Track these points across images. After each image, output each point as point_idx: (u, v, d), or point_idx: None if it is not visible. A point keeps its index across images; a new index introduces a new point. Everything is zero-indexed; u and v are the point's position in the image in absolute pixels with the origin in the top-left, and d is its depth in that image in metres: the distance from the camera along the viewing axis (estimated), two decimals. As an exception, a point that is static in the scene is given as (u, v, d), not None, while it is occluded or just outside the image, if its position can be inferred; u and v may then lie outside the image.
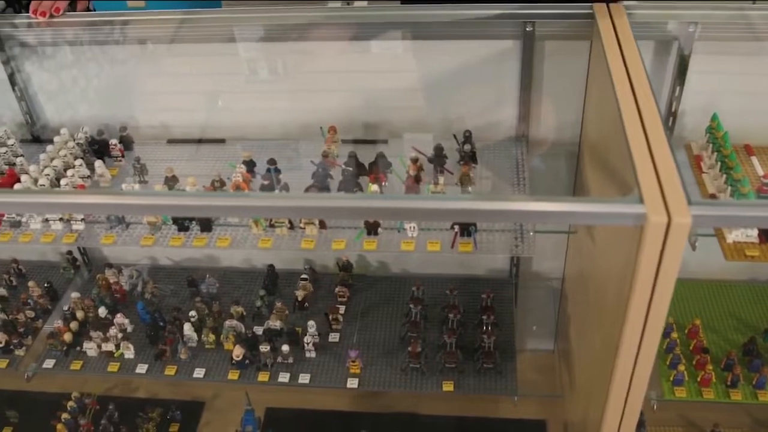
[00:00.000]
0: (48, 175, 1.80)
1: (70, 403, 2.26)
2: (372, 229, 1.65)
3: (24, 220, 1.78)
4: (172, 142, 1.99)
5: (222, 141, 1.97)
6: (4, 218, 1.79)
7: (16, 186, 1.78)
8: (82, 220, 1.76)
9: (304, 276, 2.11)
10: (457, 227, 1.63)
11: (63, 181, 1.79)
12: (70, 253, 2.26)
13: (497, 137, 1.91)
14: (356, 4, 2.91)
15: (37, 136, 2.06)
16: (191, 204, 1.33)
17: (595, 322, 1.67)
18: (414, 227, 1.64)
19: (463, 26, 1.77)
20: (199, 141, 1.98)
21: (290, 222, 1.67)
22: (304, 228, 1.68)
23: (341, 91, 1.93)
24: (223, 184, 1.75)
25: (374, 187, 1.65)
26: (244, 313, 2.06)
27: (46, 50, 1.97)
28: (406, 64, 1.89)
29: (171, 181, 1.78)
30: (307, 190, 1.71)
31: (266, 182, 1.73)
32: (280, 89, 1.95)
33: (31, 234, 1.77)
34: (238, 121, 1.98)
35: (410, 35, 1.84)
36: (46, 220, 1.77)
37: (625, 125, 1.23)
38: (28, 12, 1.81)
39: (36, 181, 1.80)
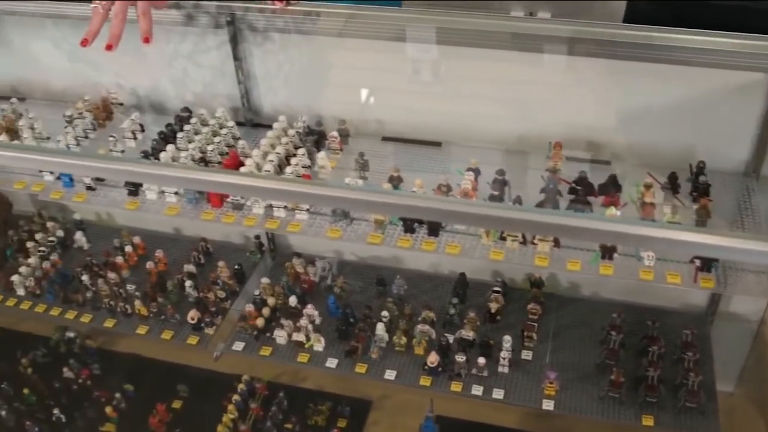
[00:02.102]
0: (272, 161, 1.85)
1: (241, 386, 2.34)
2: (607, 253, 1.66)
3: (248, 203, 1.84)
4: (386, 139, 2.03)
5: (438, 144, 2.00)
6: (228, 200, 1.86)
7: (242, 169, 1.85)
8: (307, 210, 1.81)
9: (497, 289, 2.13)
10: (697, 261, 1.62)
11: (288, 169, 1.85)
12: (258, 237, 2.33)
13: (723, 170, 1.88)
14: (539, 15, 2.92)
15: (249, 120, 2.12)
16: (427, 207, 1.34)
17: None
18: (651, 256, 1.64)
19: (703, 53, 1.74)
20: (415, 141, 2.01)
21: (523, 236, 1.69)
22: (536, 244, 1.69)
23: (560, 105, 1.94)
24: (449, 189, 1.78)
25: (613, 210, 1.65)
26: (435, 319, 2.08)
27: (270, 36, 2.03)
28: (633, 86, 1.88)
29: (395, 181, 1.81)
30: (539, 205, 1.72)
31: (496, 193, 1.75)
32: (495, 97, 1.97)
33: (255, 218, 1.83)
34: (451, 125, 2.00)
35: (638, 56, 1.82)
36: (270, 206, 1.83)
37: None
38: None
39: (258, 166, 1.86)
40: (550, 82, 1.92)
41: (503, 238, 1.72)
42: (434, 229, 1.75)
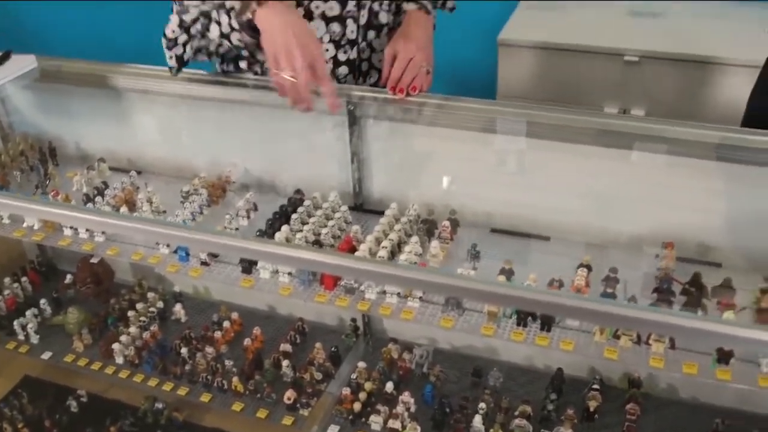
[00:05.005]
0: (386, 247, 1.93)
1: (327, 470, 2.36)
2: (724, 357, 1.68)
3: (361, 288, 1.91)
4: (495, 231, 2.10)
5: (547, 238, 2.06)
6: (341, 283, 1.93)
7: (356, 254, 1.92)
8: (419, 298, 1.87)
9: (596, 386, 2.14)
10: (820, 371, 1.63)
11: (402, 257, 1.92)
12: (354, 320, 2.40)
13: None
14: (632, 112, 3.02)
15: (360, 205, 2.22)
16: (541, 300, 1.45)
17: None
18: (770, 363, 1.66)
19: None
20: (524, 234, 2.07)
21: (638, 336, 1.72)
22: (650, 345, 1.72)
23: (667, 205, 1.99)
24: (562, 284, 1.83)
25: (731, 314, 1.68)
26: (531, 414, 2.10)
27: (383, 123, 2.14)
28: (743, 189, 1.94)
29: (507, 273, 1.87)
30: (653, 304, 1.76)
31: (609, 290, 1.80)
32: (602, 194, 2.03)
33: (367, 303, 1.90)
34: (559, 220, 2.07)
35: (744, 159, 1.89)
36: (383, 292, 1.89)
37: None
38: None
39: (371, 251, 1.94)
40: (656, 182, 1.99)
41: (617, 336, 1.75)
42: (548, 324, 1.79)
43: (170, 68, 2.06)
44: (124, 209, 2.17)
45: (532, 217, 2.10)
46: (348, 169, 2.20)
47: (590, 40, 3.18)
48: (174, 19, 1.96)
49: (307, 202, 2.14)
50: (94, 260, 2.50)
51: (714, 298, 1.82)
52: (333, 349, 2.32)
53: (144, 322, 2.46)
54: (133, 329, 2.42)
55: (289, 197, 2.20)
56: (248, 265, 2.02)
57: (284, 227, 2.04)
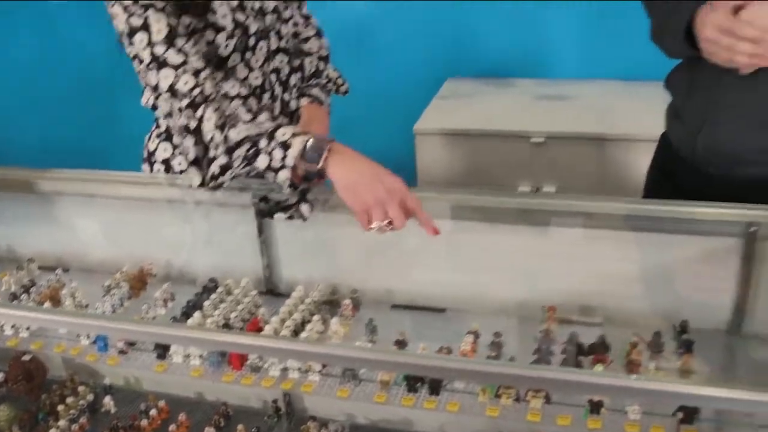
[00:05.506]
0: (288, 326, 2.08)
1: None
2: (595, 408, 1.83)
3: (265, 366, 2.05)
4: (395, 306, 2.26)
5: (443, 310, 2.22)
6: (247, 363, 2.07)
7: (262, 334, 2.07)
8: (319, 371, 2.01)
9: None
10: (680, 414, 1.78)
11: (303, 334, 2.07)
12: (275, 401, 2.52)
13: (708, 329, 2.08)
14: (544, 189, 3.23)
15: (270, 289, 2.38)
16: (426, 364, 1.68)
17: None
18: (636, 410, 1.81)
19: (682, 222, 2.01)
20: (421, 308, 2.24)
21: (517, 394, 1.87)
22: (529, 401, 1.87)
23: (556, 273, 2.17)
24: (450, 351, 1.98)
25: (598, 367, 1.84)
26: (443, 480, 2.22)
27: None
28: (624, 253, 2.13)
29: (400, 345, 2.03)
30: (532, 363, 1.91)
31: (493, 353, 1.96)
32: (496, 267, 2.21)
33: (271, 380, 2.04)
34: (455, 292, 2.23)
35: (628, 227, 2.10)
36: (285, 369, 2.04)
37: None
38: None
39: (276, 331, 2.09)
40: (542, 252, 2.18)
41: (498, 396, 1.90)
42: (435, 388, 1.94)
43: (208, 182, 1.96)
44: (47, 305, 2.31)
45: (431, 292, 2.27)
46: (258, 257, 2.37)
47: (500, 125, 3.42)
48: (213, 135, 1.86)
49: (220, 289, 2.29)
50: (25, 358, 2.62)
51: (590, 355, 1.98)
52: (253, 430, 2.44)
53: (73, 415, 2.57)
54: (62, 422, 2.52)
55: (204, 285, 2.36)
56: (162, 351, 2.15)
57: (196, 313, 2.18)
